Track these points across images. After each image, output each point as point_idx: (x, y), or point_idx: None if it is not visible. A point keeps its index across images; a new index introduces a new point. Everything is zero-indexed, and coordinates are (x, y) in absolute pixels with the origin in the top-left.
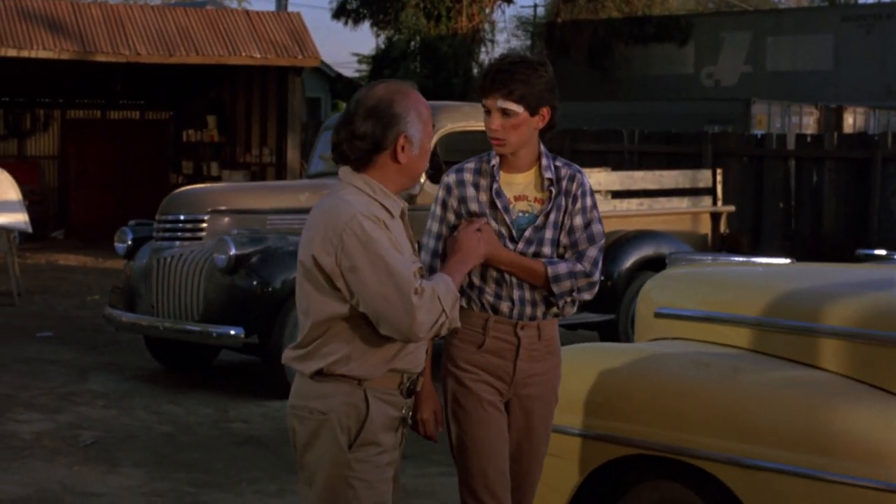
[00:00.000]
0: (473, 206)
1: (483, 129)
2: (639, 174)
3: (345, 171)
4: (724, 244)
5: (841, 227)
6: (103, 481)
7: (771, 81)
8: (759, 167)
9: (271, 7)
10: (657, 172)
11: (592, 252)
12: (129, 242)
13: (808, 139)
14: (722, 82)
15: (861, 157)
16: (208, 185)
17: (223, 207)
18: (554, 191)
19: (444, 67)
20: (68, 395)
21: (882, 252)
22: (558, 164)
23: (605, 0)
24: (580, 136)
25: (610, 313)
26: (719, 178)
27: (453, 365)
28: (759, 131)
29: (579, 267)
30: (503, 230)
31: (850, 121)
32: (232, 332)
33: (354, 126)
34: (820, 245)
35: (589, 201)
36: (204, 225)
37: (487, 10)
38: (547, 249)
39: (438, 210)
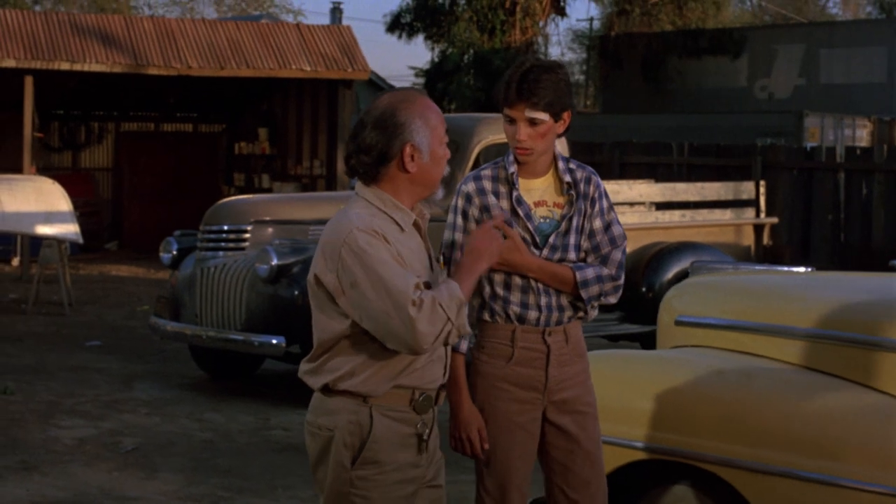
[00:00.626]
0: (497, 215)
1: None
2: (681, 186)
3: (359, 184)
4: (767, 256)
5: (890, 240)
6: (140, 487)
7: (825, 94)
8: (808, 180)
9: (326, 21)
10: (700, 184)
11: (616, 255)
12: (174, 252)
13: (858, 152)
14: (775, 95)
15: None
16: (251, 195)
17: (266, 218)
18: (574, 194)
19: (498, 80)
20: (112, 403)
21: None
22: (572, 166)
23: (658, 13)
24: (629, 149)
25: (651, 324)
26: (762, 189)
27: (483, 382)
28: (811, 144)
29: (605, 271)
30: (527, 237)
31: None
32: (274, 342)
33: (360, 139)
34: (869, 257)
35: (605, 203)
36: (247, 235)
37: (541, 24)
38: (572, 255)
39: (459, 220)
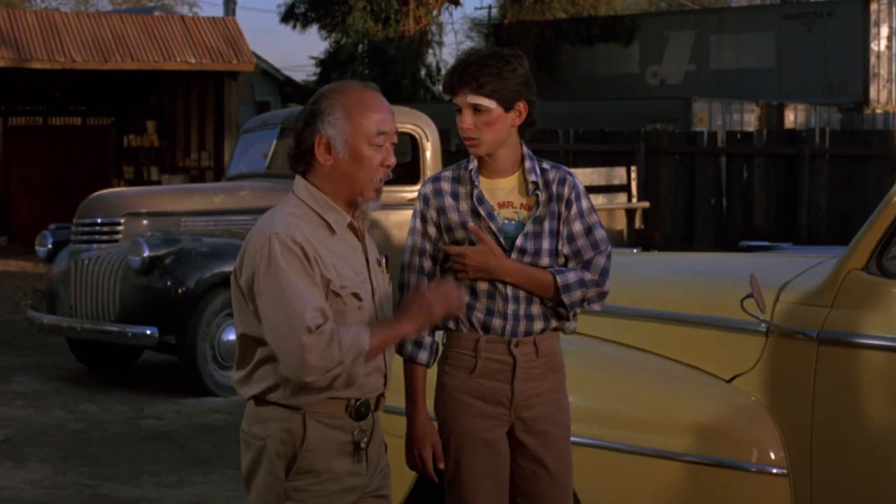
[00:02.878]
0: (453, 217)
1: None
2: None
3: (296, 178)
4: (638, 239)
5: (771, 223)
6: (7, 476)
7: (715, 80)
8: (691, 164)
9: (220, 12)
10: (572, 170)
11: (600, 261)
12: (50, 246)
13: (738, 136)
14: (667, 81)
15: (789, 153)
16: (124, 188)
17: (138, 210)
18: (542, 195)
19: (392, 70)
20: None
21: (765, 243)
22: (545, 166)
23: (551, 1)
24: None
25: None
26: (634, 175)
27: (446, 395)
28: (700, 129)
29: (588, 276)
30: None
31: (792, 117)
32: (147, 332)
33: (294, 127)
34: (751, 239)
35: (585, 204)
36: (120, 228)
37: (435, 13)
38: (545, 261)
39: (418, 224)
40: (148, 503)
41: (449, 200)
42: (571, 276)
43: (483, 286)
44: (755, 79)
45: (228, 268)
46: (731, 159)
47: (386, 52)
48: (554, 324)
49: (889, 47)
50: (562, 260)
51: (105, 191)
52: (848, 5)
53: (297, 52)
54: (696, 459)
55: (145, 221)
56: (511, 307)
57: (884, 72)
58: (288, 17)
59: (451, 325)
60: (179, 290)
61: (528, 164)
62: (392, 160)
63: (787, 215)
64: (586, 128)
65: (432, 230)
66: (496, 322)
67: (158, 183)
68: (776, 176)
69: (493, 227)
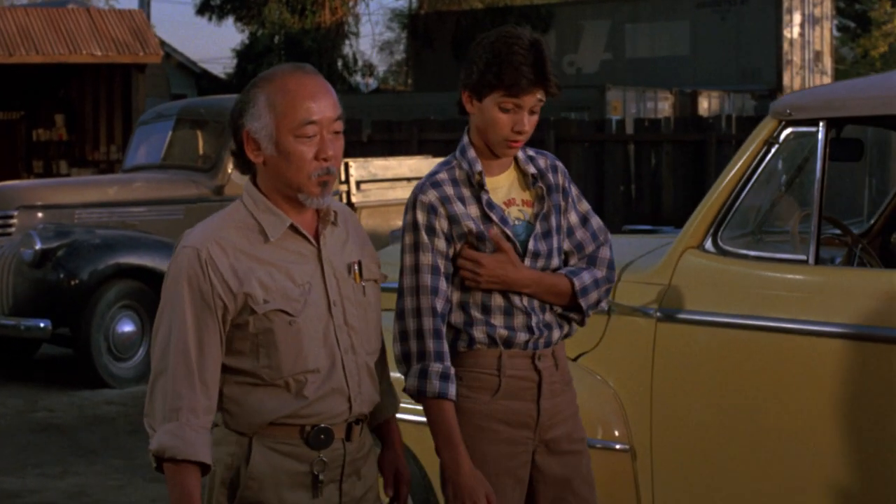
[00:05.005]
0: (469, 225)
1: None
2: (392, 162)
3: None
4: None
5: (679, 209)
6: None
7: (631, 68)
8: (600, 152)
9: (136, 5)
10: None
11: (605, 252)
12: None
13: (646, 123)
14: (583, 70)
15: (697, 139)
16: (17, 181)
17: (32, 203)
18: (543, 187)
19: (309, 61)
20: None
21: (648, 227)
22: (531, 153)
23: None
24: (428, 126)
25: None
26: None
27: (464, 423)
28: (615, 117)
29: (599, 274)
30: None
31: (706, 104)
32: (41, 325)
33: None
34: (661, 225)
35: (575, 190)
36: (13, 221)
37: (351, 4)
38: (556, 261)
39: (424, 238)
40: (30, 494)
41: (459, 207)
42: (586, 277)
43: (499, 302)
44: (670, 67)
45: (123, 259)
46: (640, 146)
47: (302, 43)
48: (565, 331)
49: (802, 34)
50: (563, 256)
51: None
52: None
53: (219, 44)
54: None
55: (39, 214)
56: (535, 318)
57: (797, 58)
58: (203, 9)
59: (464, 346)
60: (72, 283)
61: (520, 153)
62: (331, 151)
63: (695, 201)
64: None
65: (442, 244)
66: (520, 336)
67: (67, 177)
68: (684, 162)
69: (508, 232)
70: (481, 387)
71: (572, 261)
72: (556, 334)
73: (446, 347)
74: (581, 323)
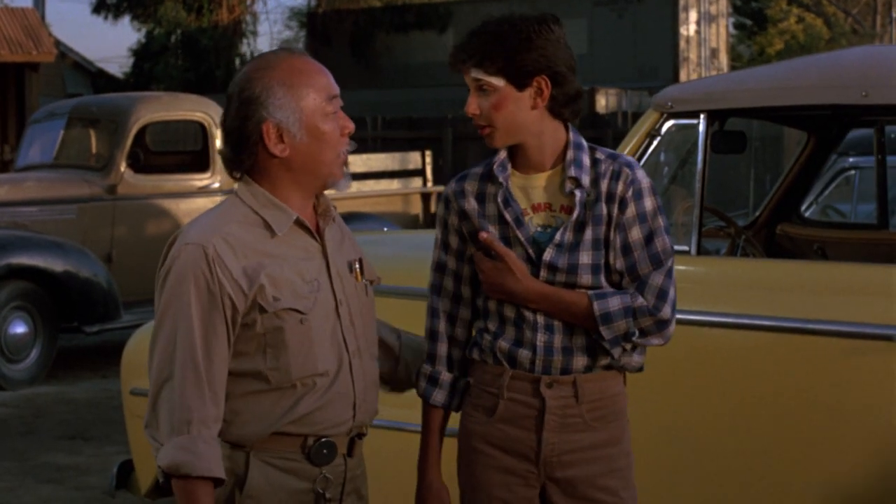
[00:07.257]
0: (478, 222)
1: (181, 118)
2: (349, 158)
3: (238, 185)
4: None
5: None
6: None
7: None
8: (496, 149)
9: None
10: (365, 156)
11: (657, 279)
12: None
13: None
14: None
15: (593, 136)
16: None
17: None
18: (580, 195)
19: (206, 60)
20: None
21: None
22: (599, 156)
23: None
24: None
25: None
26: (428, 160)
27: (462, 443)
28: None
29: (640, 301)
30: (518, 251)
31: (603, 102)
32: None
33: (223, 125)
34: None
35: (649, 204)
36: None
37: (248, 2)
38: (585, 279)
39: (439, 233)
40: None
41: (472, 203)
42: (615, 303)
43: (509, 313)
44: None
45: (14, 260)
46: None
47: (199, 42)
48: (604, 361)
49: (698, 32)
50: (616, 277)
51: None
52: None
53: (115, 43)
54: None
55: None
56: (542, 337)
57: (693, 56)
58: (99, 7)
59: (476, 354)
60: None
61: (569, 154)
62: (351, 124)
63: None
64: (401, 116)
65: (454, 241)
66: (523, 353)
67: None
68: None
69: (521, 236)
70: (482, 405)
71: (624, 283)
72: (579, 361)
73: (443, 350)
74: (612, 355)
